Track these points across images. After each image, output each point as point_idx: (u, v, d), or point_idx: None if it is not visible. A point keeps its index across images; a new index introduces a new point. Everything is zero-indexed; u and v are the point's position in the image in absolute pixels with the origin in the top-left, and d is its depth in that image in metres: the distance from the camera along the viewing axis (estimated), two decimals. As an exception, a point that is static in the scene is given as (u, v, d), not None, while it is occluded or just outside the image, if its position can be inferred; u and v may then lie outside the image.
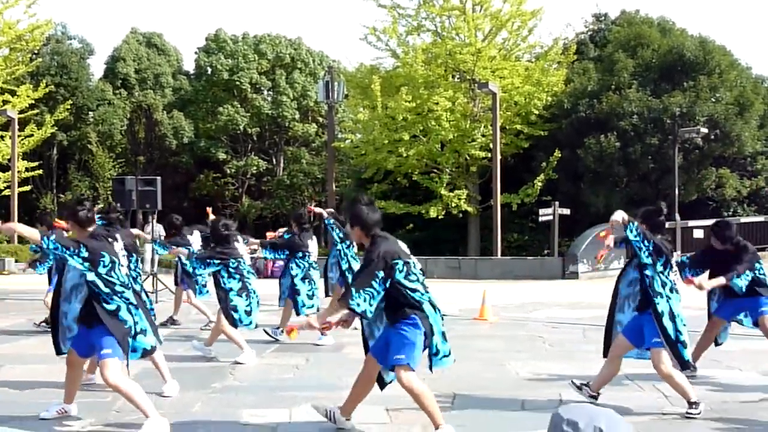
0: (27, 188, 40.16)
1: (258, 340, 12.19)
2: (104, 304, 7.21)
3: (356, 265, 11.70)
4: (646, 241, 7.65)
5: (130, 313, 7.34)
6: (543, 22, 76.83)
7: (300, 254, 12.66)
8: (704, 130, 30.18)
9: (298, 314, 12.33)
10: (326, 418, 7.22)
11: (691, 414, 7.51)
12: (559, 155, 31.63)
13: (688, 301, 9.08)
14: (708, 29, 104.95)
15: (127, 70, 54.39)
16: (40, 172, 42.38)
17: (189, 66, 59.46)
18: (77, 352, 7.56)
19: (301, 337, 12.74)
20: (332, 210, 14.03)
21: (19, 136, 36.35)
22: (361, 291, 6.56)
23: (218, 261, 10.56)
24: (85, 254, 7.08)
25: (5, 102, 36.98)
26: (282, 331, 12.24)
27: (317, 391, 8.61)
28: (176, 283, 14.64)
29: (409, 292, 6.72)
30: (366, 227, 6.90)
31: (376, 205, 7.17)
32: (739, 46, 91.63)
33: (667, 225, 30.38)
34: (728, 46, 35.77)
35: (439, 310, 6.88)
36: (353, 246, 12.16)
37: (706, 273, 9.19)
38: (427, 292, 6.85)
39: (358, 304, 6.53)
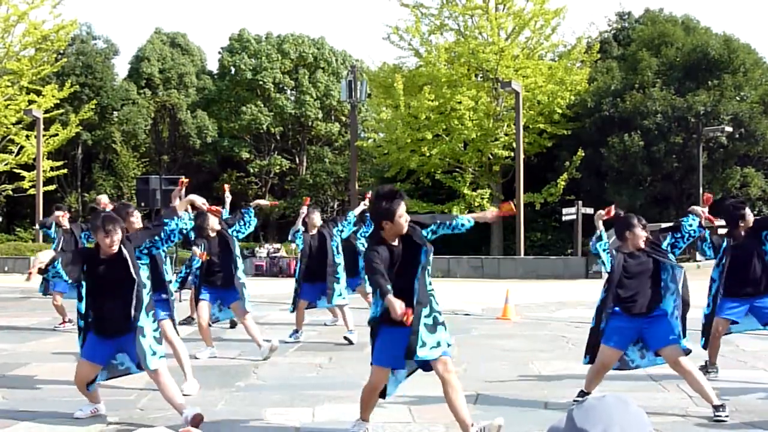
0: (52, 187, 40.46)
1: (282, 339, 12.23)
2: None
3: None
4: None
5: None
6: (566, 21, 76.45)
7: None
8: (729, 129, 30.01)
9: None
10: None
11: (720, 417, 7.40)
12: (583, 154, 31.53)
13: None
14: (733, 27, 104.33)
15: (152, 70, 54.70)
16: (65, 171, 42.74)
17: (213, 66, 59.86)
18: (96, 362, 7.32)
19: (323, 336, 12.83)
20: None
21: (44, 135, 36.64)
22: None
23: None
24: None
25: (31, 102, 37.33)
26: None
27: (340, 390, 8.61)
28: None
29: None
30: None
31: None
32: (764, 44, 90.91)
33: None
34: (753, 45, 35.62)
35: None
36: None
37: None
38: None
39: None
